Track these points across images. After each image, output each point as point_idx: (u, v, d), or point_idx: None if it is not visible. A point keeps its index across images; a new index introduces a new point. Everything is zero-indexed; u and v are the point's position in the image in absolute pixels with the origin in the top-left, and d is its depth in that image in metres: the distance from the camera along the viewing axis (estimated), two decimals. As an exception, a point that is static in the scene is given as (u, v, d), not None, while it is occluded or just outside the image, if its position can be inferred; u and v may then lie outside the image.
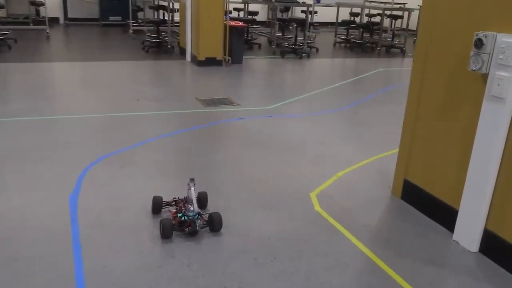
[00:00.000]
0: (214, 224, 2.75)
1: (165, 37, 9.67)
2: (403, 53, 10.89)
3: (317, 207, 3.20)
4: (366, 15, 14.26)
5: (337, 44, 11.72)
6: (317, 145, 4.44)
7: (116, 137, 4.34)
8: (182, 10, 8.47)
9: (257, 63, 8.63)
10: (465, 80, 2.76)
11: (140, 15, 12.37)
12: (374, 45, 11.33)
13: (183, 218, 2.72)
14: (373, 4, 12.50)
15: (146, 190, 3.27)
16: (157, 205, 2.94)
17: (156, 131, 4.56)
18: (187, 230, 2.70)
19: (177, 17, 10.13)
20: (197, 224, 2.70)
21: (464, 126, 2.80)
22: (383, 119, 5.45)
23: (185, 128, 4.68)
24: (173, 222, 2.72)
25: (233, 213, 3.04)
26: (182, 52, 8.82)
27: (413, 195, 3.29)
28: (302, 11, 13.98)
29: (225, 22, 7.89)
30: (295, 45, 9.60)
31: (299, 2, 10.24)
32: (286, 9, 11.92)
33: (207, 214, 2.81)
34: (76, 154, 3.88)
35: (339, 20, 11.93)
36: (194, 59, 8.09)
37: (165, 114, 5.14)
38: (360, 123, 5.26)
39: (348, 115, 5.53)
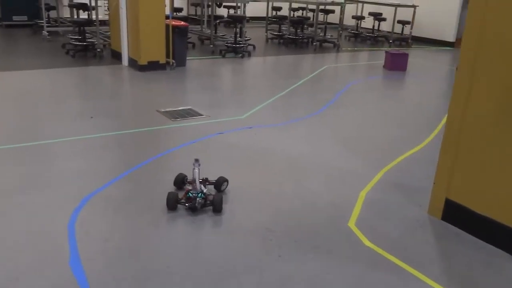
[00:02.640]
0: (215, 204, 2.98)
1: (91, 39, 8.66)
2: (336, 47, 10.84)
3: (366, 242, 2.79)
4: (289, 9, 14.12)
5: (269, 40, 11.39)
6: (318, 159, 4.03)
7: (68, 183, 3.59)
8: (115, 9, 7.57)
9: (201, 65, 8.01)
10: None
11: (52, 14, 11.04)
12: (306, 40, 11.15)
13: (188, 194, 3.01)
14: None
15: (163, 242, 2.63)
16: (179, 183, 3.30)
17: (127, 159, 3.86)
18: (187, 205, 2.98)
19: (100, 17, 9.13)
20: (197, 201, 2.96)
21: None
22: (370, 121, 5.19)
23: (164, 151, 4.03)
24: (180, 196, 3.04)
25: (278, 262, 2.54)
26: (115, 55, 7.92)
27: (459, 216, 3.00)
28: (226, 7, 13.48)
29: (167, 22, 7.17)
30: (235, 43, 9.09)
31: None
32: (219, 5, 11.32)
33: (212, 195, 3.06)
34: None
35: (262, 15, 11.60)
36: (134, 64, 7.28)
37: (130, 134, 4.42)
38: (346, 128, 4.94)
39: (329, 119, 5.19)
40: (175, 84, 6.57)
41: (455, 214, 3.03)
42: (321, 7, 11.03)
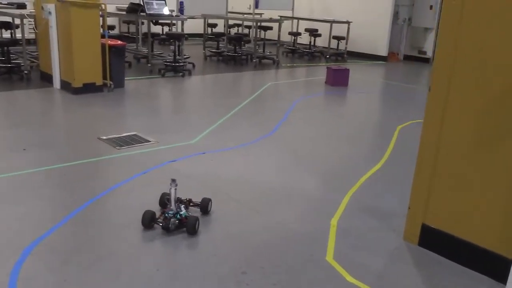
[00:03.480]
0: (187, 227, 2.92)
1: (16, 60, 7.98)
2: (275, 63, 10.81)
3: (349, 278, 2.59)
4: (226, 26, 14.01)
5: (208, 58, 11.14)
6: (280, 184, 3.81)
7: None
8: (44, 27, 7.00)
9: (140, 86, 7.60)
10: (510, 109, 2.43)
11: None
12: (245, 57, 11.01)
13: (165, 214, 2.98)
14: (246, 16, 12.22)
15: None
16: (163, 203, 3.22)
17: (71, 198, 3.44)
18: (161, 225, 2.94)
19: (25, 35, 8.45)
20: (170, 222, 2.91)
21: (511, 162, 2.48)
22: (325, 140, 5.06)
23: (113, 185, 3.64)
24: (157, 215, 3.02)
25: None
26: (45, 77, 7.33)
27: (437, 241, 2.89)
28: (160, 24, 13.10)
29: (103, 41, 6.73)
30: (174, 62, 8.76)
31: (172, 16, 9.39)
32: (156, 23, 10.93)
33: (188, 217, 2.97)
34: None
35: (197, 32, 11.38)
36: (67, 86, 6.74)
37: (71, 168, 3.98)
38: (303, 148, 4.77)
39: (283, 140, 5.00)
40: (115, 107, 6.13)
41: (433, 240, 2.91)
42: (260, 23, 10.95)
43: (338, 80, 8.46)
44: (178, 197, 3.10)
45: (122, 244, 2.80)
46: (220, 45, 11.55)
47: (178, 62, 8.80)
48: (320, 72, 10.33)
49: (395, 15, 12.71)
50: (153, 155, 4.36)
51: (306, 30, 12.72)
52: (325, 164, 4.39)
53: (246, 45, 11.92)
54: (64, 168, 3.93)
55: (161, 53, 10.17)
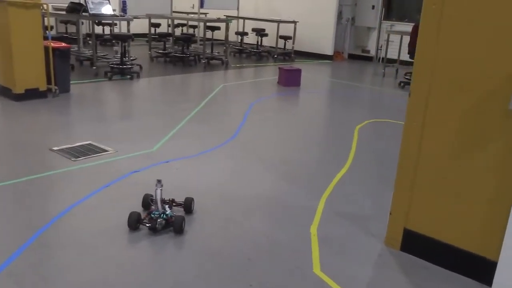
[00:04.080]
0: (174, 226, 2.94)
1: None
2: (224, 64, 10.66)
3: (340, 290, 2.52)
4: (172, 26, 13.68)
5: (155, 59, 10.79)
6: (253, 191, 3.69)
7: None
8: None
9: (87, 90, 7.21)
10: (494, 116, 2.45)
11: None
12: (193, 58, 10.76)
13: (151, 214, 3.01)
14: (192, 16, 11.95)
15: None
16: (146, 204, 3.25)
17: (28, 220, 3.15)
18: (148, 225, 2.95)
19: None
20: (157, 223, 2.93)
21: (492, 166, 2.50)
22: (288, 143, 4.98)
23: (74, 202, 3.36)
24: (143, 216, 3.04)
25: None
26: (-20, 83, 6.75)
27: (420, 246, 2.89)
28: (100, 24, 12.57)
29: (45, 44, 6.30)
30: (122, 64, 8.39)
31: (117, 16, 8.99)
32: (99, 23, 10.43)
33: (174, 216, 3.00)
34: None
35: (140, 32, 11.03)
36: (7, 93, 6.26)
37: (23, 184, 3.65)
38: (268, 152, 4.68)
39: (246, 144, 4.88)
40: (63, 114, 5.75)
41: (415, 244, 2.90)
42: (208, 24, 10.75)
43: (290, 80, 8.45)
44: (162, 198, 3.10)
45: (97, 269, 2.57)
46: (166, 45, 11.23)
47: (125, 64, 8.44)
48: (270, 72, 10.30)
49: (339, 14, 12.92)
50: (113, 165, 4.10)
51: (253, 30, 12.65)
52: (294, 169, 4.32)
53: (192, 45, 11.68)
54: (15, 185, 3.60)
55: (105, 55, 9.72)
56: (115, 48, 10.50)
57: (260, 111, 6.48)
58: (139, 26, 13.15)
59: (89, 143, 4.64)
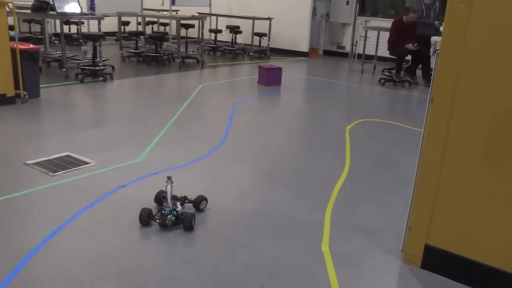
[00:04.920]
0: (184, 223, 2.97)
1: None
2: (199, 63, 10.31)
3: (368, 319, 2.28)
4: (143, 24, 13.21)
5: (126, 59, 10.33)
6: (254, 207, 3.43)
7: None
8: None
9: (58, 94, 6.76)
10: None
11: None
12: (167, 57, 10.35)
13: (162, 211, 3.02)
14: (165, 14, 11.53)
15: None
16: (158, 200, 3.26)
17: (5, 249, 2.79)
18: (158, 221, 2.98)
19: None
20: (167, 219, 2.95)
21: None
22: (280, 148, 4.73)
23: (57, 227, 3.02)
24: (154, 212, 3.07)
25: None
26: None
27: (443, 263, 2.69)
28: (67, 23, 12.00)
29: (13, 45, 5.84)
30: (93, 65, 7.94)
31: (86, 14, 8.51)
32: (67, 22, 9.88)
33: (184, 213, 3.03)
34: None
35: (108, 30, 10.57)
36: (-29, 99, 5.77)
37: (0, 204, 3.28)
38: (261, 159, 4.41)
39: (239, 151, 4.61)
40: (35, 122, 5.33)
41: (438, 261, 2.70)
42: (182, 21, 10.37)
43: (271, 79, 8.20)
44: (174, 194, 3.16)
45: (91, 308, 2.25)
46: (138, 44, 10.78)
47: (97, 65, 7.99)
48: (247, 70, 10.03)
49: (313, 11, 12.74)
50: (97, 180, 3.76)
51: (228, 27, 12.33)
52: (292, 177, 4.07)
53: (164, 44, 11.27)
54: (-10, 206, 3.22)
55: (74, 56, 9.21)
56: (84, 48, 10.01)
57: (245, 113, 6.20)
58: (106, 24, 12.60)
59: (67, 155, 4.27)
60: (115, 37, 12.48)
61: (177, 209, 3.04)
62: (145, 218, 2.99)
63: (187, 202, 3.26)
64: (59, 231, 2.93)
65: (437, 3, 9.06)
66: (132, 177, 3.83)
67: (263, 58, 11.88)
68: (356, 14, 12.73)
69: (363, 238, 3.07)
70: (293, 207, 3.48)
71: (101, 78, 7.82)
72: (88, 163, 4.09)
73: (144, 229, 3.01)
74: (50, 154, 4.26)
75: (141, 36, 10.79)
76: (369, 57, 10.77)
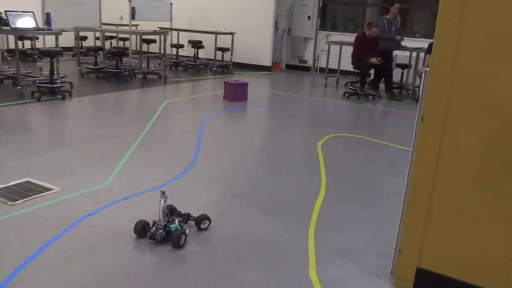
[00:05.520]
0: (172, 240, 2.95)
1: None
2: (161, 78, 10.06)
3: None
4: (97, 38, 12.85)
5: (85, 75, 9.95)
6: (234, 231, 3.25)
7: None
8: None
9: (12, 114, 6.38)
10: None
11: None
12: (128, 73, 10.05)
13: (156, 224, 3.02)
14: (126, 29, 11.22)
15: None
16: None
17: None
18: (148, 233, 2.99)
19: None
20: (157, 234, 2.96)
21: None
22: (252, 165, 4.57)
23: (17, 266, 2.74)
24: (150, 225, 3.06)
25: None
26: None
27: (436, 287, 2.59)
28: (21, 39, 11.48)
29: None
30: (51, 83, 7.57)
31: (43, 30, 8.14)
32: (21, 38, 9.43)
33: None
34: None
35: (64, 45, 10.19)
36: None
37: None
38: (234, 178, 4.24)
39: (208, 172, 4.42)
40: (-10, 145, 4.96)
41: (431, 285, 2.61)
42: (144, 36, 10.11)
43: (237, 95, 8.07)
44: (179, 211, 3.23)
45: None
46: (98, 60, 10.43)
47: (55, 83, 7.63)
48: (211, 86, 9.89)
49: (275, 25, 12.76)
50: (62, 208, 3.48)
51: (190, 41, 12.14)
52: (267, 198, 3.92)
53: (124, 59, 10.96)
54: None
55: (29, 72, 8.78)
56: (39, 64, 9.57)
57: (213, 130, 6.03)
58: (62, 39, 12.15)
59: (27, 181, 3.96)
60: (72, 53, 12.07)
61: (171, 225, 3.02)
62: (140, 229, 3.02)
63: (191, 220, 3.24)
64: (23, 268, 2.65)
65: (398, 18, 9.23)
66: (100, 203, 3.58)
67: (226, 73, 11.75)
68: (317, 29, 12.83)
69: (350, 262, 2.95)
70: (273, 230, 3.33)
71: (59, 96, 7.45)
72: (51, 190, 3.80)
73: (118, 262, 2.78)
74: (8, 180, 3.93)
75: (100, 52, 10.44)
76: (332, 71, 10.83)
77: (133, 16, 11.25)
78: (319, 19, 12.78)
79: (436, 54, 2.37)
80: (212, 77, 11.08)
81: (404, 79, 10.10)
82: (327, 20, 13.05)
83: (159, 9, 12.06)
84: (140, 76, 9.50)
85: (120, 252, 2.90)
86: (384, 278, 2.78)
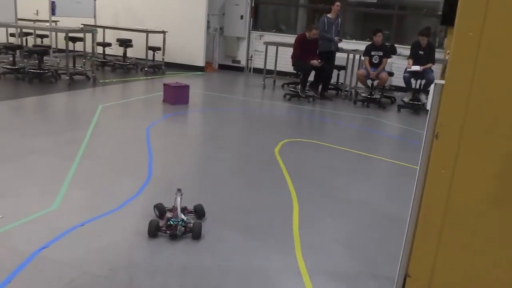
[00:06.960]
0: (193, 232, 3.07)
1: None
2: (90, 80, 9.33)
3: None
4: (12, 35, 11.68)
5: (2, 76, 8.94)
6: (214, 258, 2.91)
7: None
8: None
9: None
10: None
11: None
12: (51, 74, 9.16)
13: (169, 222, 3.11)
14: (39, 24, 10.23)
15: None
16: (161, 212, 3.32)
17: None
18: (168, 232, 3.04)
19: None
20: (177, 229, 3.04)
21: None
22: (214, 180, 4.24)
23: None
24: (162, 224, 3.12)
25: None
26: None
27: (448, 310, 2.45)
28: None
29: None
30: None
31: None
32: None
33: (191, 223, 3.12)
34: None
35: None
36: None
37: None
38: (200, 196, 3.88)
39: (166, 187, 4.01)
40: None
41: (442, 310, 2.46)
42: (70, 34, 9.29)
43: (178, 98, 7.63)
44: (173, 206, 3.26)
45: None
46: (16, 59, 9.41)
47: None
48: (145, 87, 9.36)
49: (207, 24, 12.39)
50: (6, 241, 2.93)
51: (118, 40, 11.41)
52: (240, 217, 3.62)
53: (45, 58, 10.02)
54: None
55: None
56: None
57: (162, 138, 5.60)
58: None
59: (-45, 207, 3.33)
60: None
61: (184, 219, 3.15)
62: (153, 230, 3.05)
63: (187, 212, 3.35)
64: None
65: (339, 19, 9.26)
66: (52, 233, 3.07)
67: (158, 73, 11.19)
68: (250, 29, 12.65)
69: (347, 287, 2.74)
70: (258, 255, 3.04)
71: (-24, 101, 6.57)
72: (-12, 218, 3.21)
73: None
74: None
75: (17, 50, 9.45)
76: (269, 72, 10.68)
77: (53, 12, 10.36)
78: (251, 19, 12.59)
79: (452, 67, 2.21)
80: (144, 77, 10.49)
81: (340, 81, 10.19)
82: (259, 20, 12.91)
83: (81, 4, 11.21)
84: (67, 78, 8.71)
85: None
86: (387, 304, 2.60)
